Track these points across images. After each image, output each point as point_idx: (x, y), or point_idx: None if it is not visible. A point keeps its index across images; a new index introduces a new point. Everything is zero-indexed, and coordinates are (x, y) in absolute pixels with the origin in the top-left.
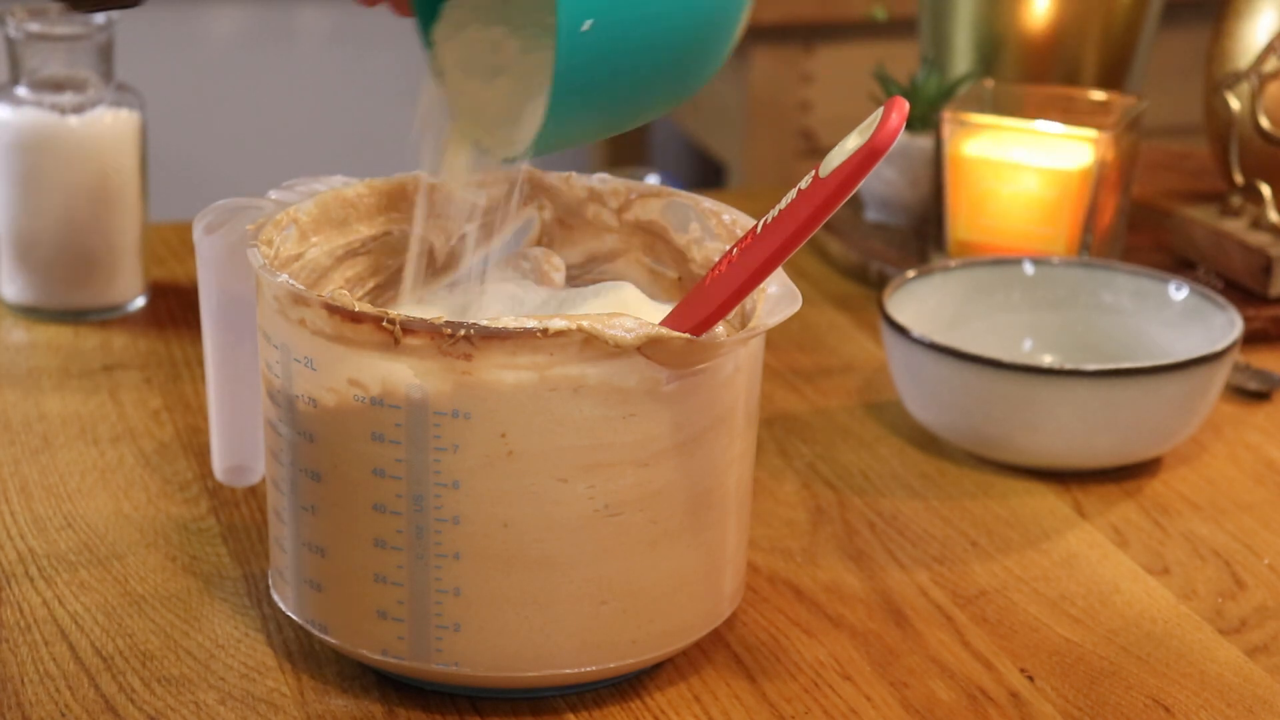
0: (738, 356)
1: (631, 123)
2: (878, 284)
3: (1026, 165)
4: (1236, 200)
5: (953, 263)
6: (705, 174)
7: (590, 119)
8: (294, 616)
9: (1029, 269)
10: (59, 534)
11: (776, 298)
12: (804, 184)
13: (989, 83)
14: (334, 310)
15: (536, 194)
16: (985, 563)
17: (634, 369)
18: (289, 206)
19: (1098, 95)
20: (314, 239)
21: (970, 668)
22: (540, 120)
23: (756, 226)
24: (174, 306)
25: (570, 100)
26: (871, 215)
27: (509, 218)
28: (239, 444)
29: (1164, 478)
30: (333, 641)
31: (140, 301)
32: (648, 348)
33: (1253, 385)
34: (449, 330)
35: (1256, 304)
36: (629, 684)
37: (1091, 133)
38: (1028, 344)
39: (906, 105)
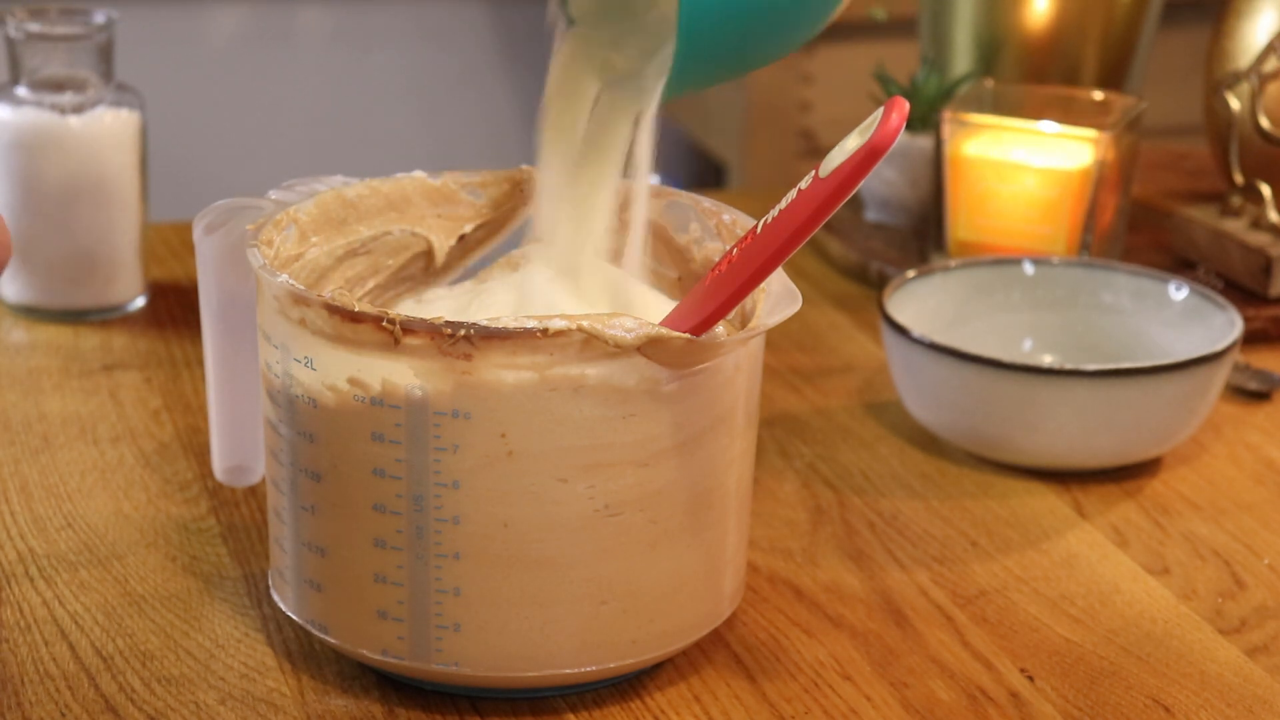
0: (738, 356)
1: (757, 64)
2: (878, 284)
3: (1026, 165)
4: (1236, 200)
5: (953, 263)
6: (705, 174)
7: (715, 64)
8: (294, 616)
9: (1029, 269)
10: (59, 534)
11: (776, 298)
12: (804, 184)
13: (989, 83)
14: (334, 310)
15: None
16: (985, 563)
17: (634, 369)
18: (289, 206)
19: (1098, 95)
20: (314, 239)
21: (970, 668)
22: (668, 69)
23: (756, 226)
24: (174, 306)
25: (696, 47)
26: (871, 215)
27: (510, 217)
28: (239, 444)
29: (1164, 478)
30: (333, 641)
31: (140, 301)
32: (648, 348)
33: (1253, 385)
34: (449, 330)
35: (1256, 304)
36: (629, 684)
37: (1091, 133)
38: (1028, 344)
39: (906, 105)
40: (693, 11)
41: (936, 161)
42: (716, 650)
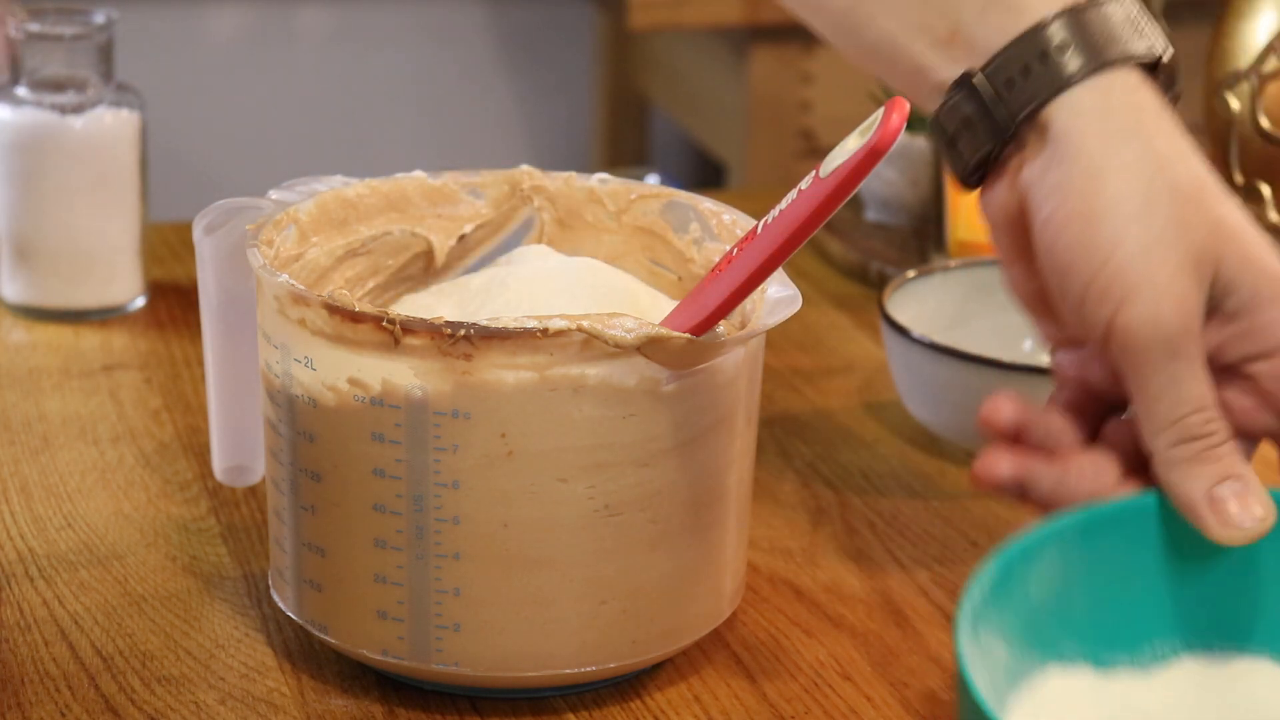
0: (738, 356)
1: None
2: (878, 284)
3: None
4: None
5: (953, 263)
6: (705, 174)
7: None
8: (294, 616)
9: None
10: (59, 534)
11: (776, 298)
12: (804, 184)
13: None
14: (334, 310)
15: (536, 195)
16: None
17: (634, 369)
18: (289, 206)
19: None
20: (314, 239)
21: None
22: None
23: (757, 227)
24: (174, 306)
25: None
26: (871, 215)
27: (510, 217)
28: (239, 444)
29: None
30: (333, 641)
31: (140, 301)
32: (648, 348)
33: None
34: (449, 330)
35: None
36: (629, 684)
37: None
38: (1028, 344)
39: (907, 105)
40: None
41: (936, 161)
42: (716, 650)
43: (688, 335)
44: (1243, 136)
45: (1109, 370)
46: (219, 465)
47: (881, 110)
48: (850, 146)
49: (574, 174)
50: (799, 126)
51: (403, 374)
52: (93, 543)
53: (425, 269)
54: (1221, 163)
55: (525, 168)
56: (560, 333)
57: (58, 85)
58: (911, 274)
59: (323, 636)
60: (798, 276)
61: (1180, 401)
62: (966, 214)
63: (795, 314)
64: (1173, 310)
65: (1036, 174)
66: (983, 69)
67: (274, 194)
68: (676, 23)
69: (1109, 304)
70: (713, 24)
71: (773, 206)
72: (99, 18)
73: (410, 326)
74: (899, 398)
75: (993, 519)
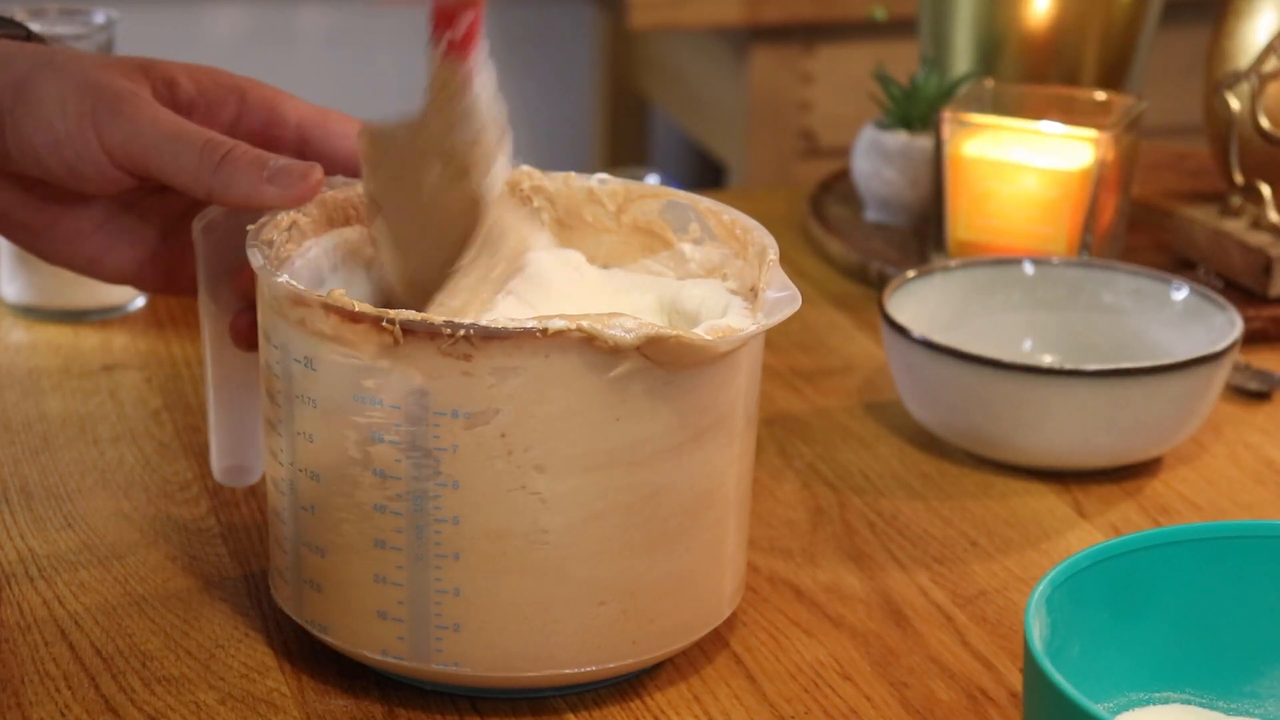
0: (737, 356)
1: None
2: (878, 284)
3: (1026, 165)
4: (1236, 200)
5: (953, 263)
6: (705, 174)
7: None
8: (294, 616)
9: (1029, 269)
10: (59, 534)
11: (776, 298)
12: None
13: (989, 83)
14: (334, 310)
15: (536, 195)
16: (985, 563)
17: (633, 369)
18: None
19: (1098, 95)
20: (314, 239)
21: (970, 668)
22: None
23: None
24: (174, 306)
25: None
26: (871, 215)
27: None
28: (238, 444)
29: (1164, 478)
30: (333, 641)
31: (140, 301)
32: (647, 347)
33: (1253, 385)
34: (449, 330)
35: (1256, 304)
36: (629, 684)
37: (1091, 133)
38: (1028, 344)
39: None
40: None
41: (936, 161)
42: (716, 650)
43: (687, 335)
44: (1243, 136)
45: None
46: (217, 465)
47: None
48: None
49: (573, 174)
50: (799, 126)
51: (403, 374)
52: (93, 543)
53: None
54: (1221, 163)
55: (525, 168)
56: (560, 333)
57: None
58: (911, 274)
59: (323, 636)
60: (798, 276)
61: None
62: (966, 214)
63: (795, 314)
64: None
65: None
66: None
67: None
68: (676, 23)
69: None
70: (713, 24)
71: (772, 207)
72: (99, 18)
73: (410, 326)
74: (899, 398)
75: (992, 519)
